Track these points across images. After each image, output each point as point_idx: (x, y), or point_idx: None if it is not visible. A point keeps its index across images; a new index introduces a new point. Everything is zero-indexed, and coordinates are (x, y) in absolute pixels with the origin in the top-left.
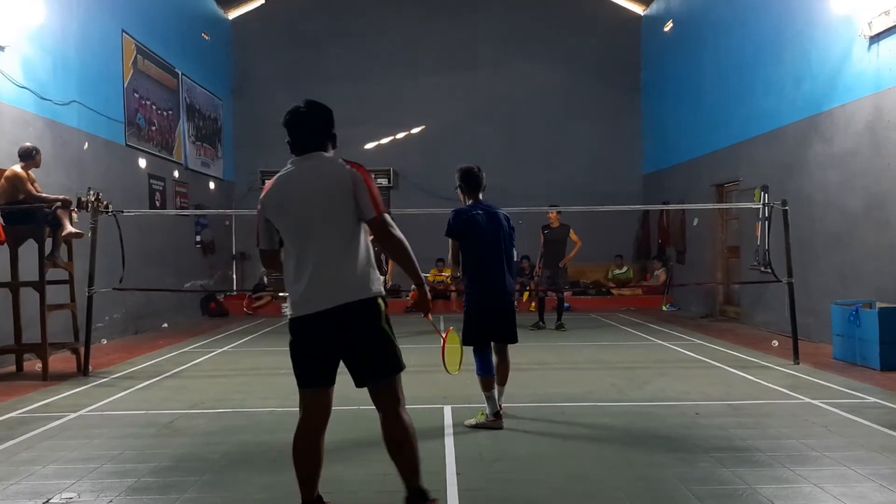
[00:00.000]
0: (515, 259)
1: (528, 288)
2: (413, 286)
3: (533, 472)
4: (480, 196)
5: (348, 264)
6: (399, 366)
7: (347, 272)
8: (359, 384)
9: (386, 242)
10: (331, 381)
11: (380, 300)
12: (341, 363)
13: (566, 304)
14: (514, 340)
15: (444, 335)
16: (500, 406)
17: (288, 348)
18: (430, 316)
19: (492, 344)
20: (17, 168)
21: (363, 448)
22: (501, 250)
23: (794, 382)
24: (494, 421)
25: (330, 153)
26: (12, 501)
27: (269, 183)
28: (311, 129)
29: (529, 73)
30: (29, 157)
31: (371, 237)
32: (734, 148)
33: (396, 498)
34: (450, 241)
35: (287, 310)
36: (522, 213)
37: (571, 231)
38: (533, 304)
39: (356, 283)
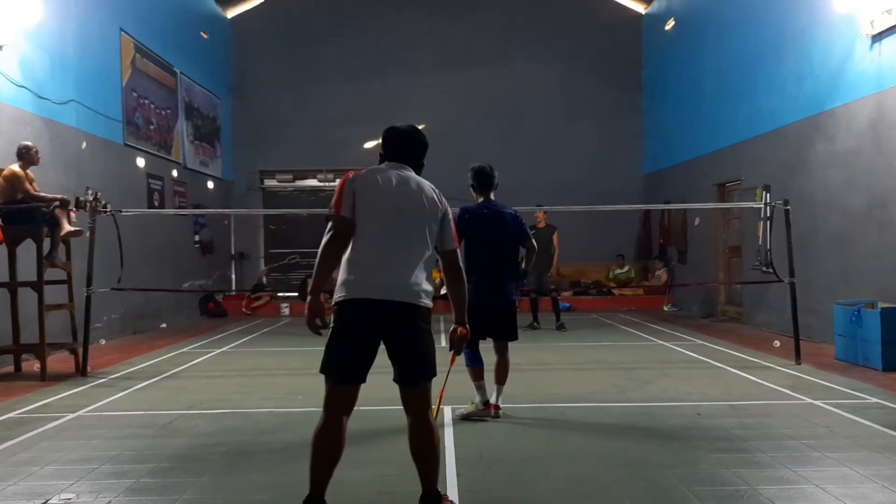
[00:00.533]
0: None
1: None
2: (456, 324)
3: (533, 473)
4: (492, 195)
5: (421, 273)
6: (435, 370)
7: (420, 278)
8: (402, 382)
9: (455, 275)
10: (365, 378)
11: (429, 314)
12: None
13: (566, 304)
14: (514, 338)
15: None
16: (499, 405)
17: (329, 337)
18: (454, 357)
19: (493, 342)
20: (15, 167)
21: (363, 448)
22: (503, 250)
23: (795, 383)
24: (484, 410)
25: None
26: (11, 502)
27: (360, 169)
28: (421, 150)
29: (529, 73)
30: (27, 156)
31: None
32: (736, 147)
33: (396, 498)
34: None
35: (339, 293)
36: (522, 213)
37: (555, 233)
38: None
39: (422, 290)
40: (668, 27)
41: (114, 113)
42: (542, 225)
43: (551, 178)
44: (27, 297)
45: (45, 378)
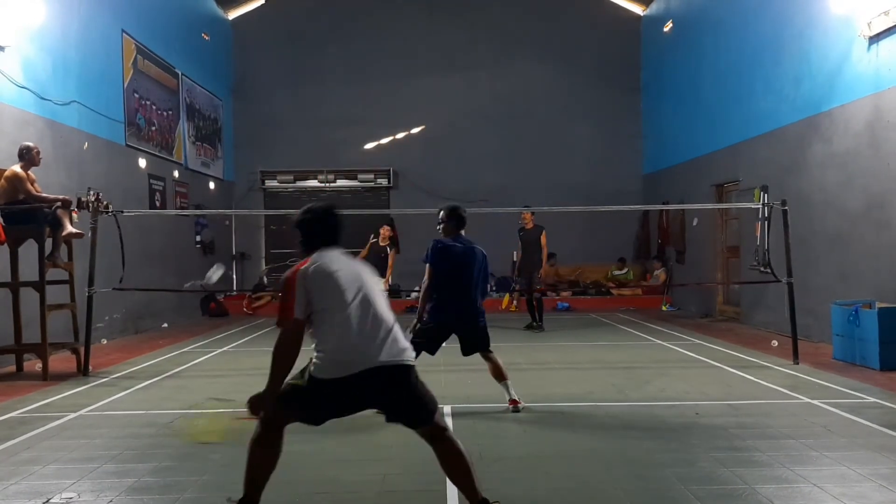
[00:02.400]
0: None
1: (513, 289)
2: None
3: (533, 472)
4: (462, 233)
5: (395, 332)
6: (437, 403)
7: (399, 338)
8: (415, 425)
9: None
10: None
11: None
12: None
13: (565, 304)
14: (486, 346)
15: None
16: (515, 399)
17: (305, 390)
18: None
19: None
20: (17, 168)
21: (362, 449)
22: (470, 282)
23: (793, 382)
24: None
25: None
26: (12, 501)
27: (304, 262)
28: (339, 230)
29: (529, 74)
30: (28, 156)
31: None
32: (734, 148)
33: (396, 498)
34: (426, 266)
35: (320, 371)
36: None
37: (543, 233)
38: (514, 305)
39: (405, 349)
40: (666, 29)
41: (115, 114)
42: (529, 226)
43: (550, 179)
44: (29, 297)
45: (47, 378)
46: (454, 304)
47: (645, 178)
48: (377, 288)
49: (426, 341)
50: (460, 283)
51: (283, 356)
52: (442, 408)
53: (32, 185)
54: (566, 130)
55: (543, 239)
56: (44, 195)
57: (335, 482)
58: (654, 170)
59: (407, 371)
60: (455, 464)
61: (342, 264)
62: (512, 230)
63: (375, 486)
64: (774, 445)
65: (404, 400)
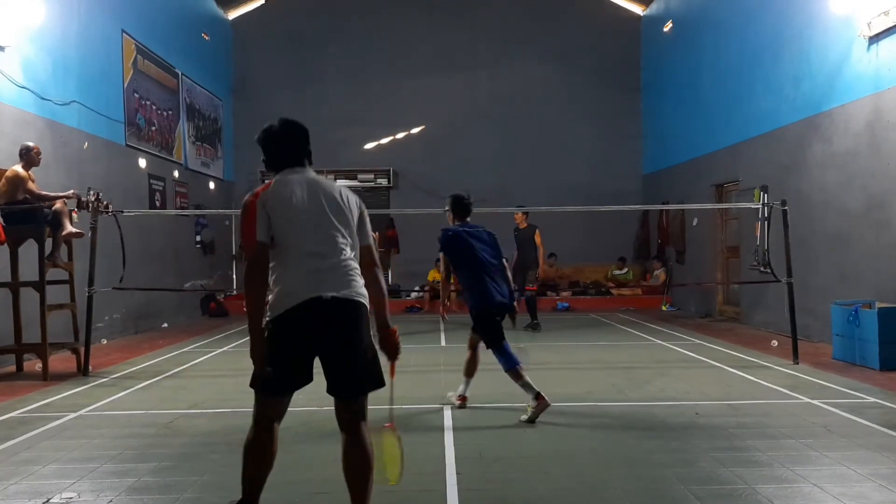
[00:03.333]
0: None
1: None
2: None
3: (533, 472)
4: (468, 220)
5: (353, 270)
6: (381, 382)
7: (353, 275)
8: (334, 393)
9: (372, 270)
10: (299, 386)
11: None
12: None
13: (565, 304)
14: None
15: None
16: (466, 395)
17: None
18: (394, 365)
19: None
20: (18, 168)
21: None
22: (490, 260)
23: (793, 382)
24: (539, 404)
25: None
26: (12, 501)
27: (263, 187)
28: (301, 142)
29: (529, 73)
30: (28, 156)
31: None
32: (734, 148)
33: (396, 498)
34: (441, 255)
35: (272, 311)
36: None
37: (537, 232)
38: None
39: (358, 287)
40: (666, 29)
41: (115, 114)
42: (523, 226)
43: (550, 179)
44: (29, 297)
45: (47, 378)
46: (490, 282)
47: (645, 178)
48: (343, 219)
49: (495, 337)
50: (482, 264)
51: (251, 284)
52: (441, 408)
53: (32, 183)
54: (566, 130)
55: (538, 238)
56: (46, 193)
57: (335, 482)
58: (654, 170)
59: (357, 307)
60: (355, 464)
61: (300, 188)
62: (512, 230)
63: (375, 486)
64: (774, 445)
65: (348, 345)
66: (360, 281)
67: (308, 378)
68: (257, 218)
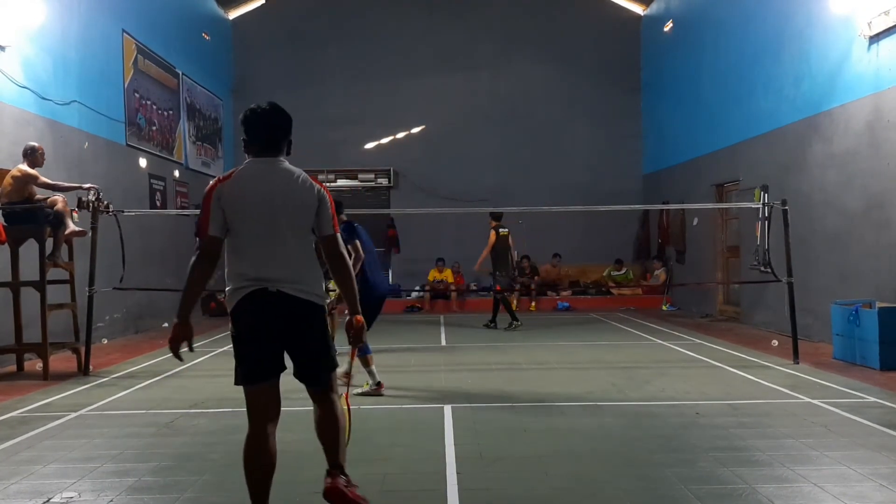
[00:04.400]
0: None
1: (531, 288)
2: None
3: (533, 472)
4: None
5: (306, 270)
6: (335, 364)
7: (304, 275)
8: (302, 380)
9: (335, 260)
10: (279, 370)
11: (325, 312)
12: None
13: (565, 304)
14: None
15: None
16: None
17: (234, 345)
18: (354, 351)
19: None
20: (25, 167)
21: (362, 449)
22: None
23: (793, 382)
24: (377, 389)
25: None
26: (13, 501)
27: (225, 176)
28: (278, 132)
29: (529, 73)
30: (33, 156)
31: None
32: (734, 148)
33: (396, 498)
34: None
35: (231, 299)
36: (522, 213)
37: (509, 236)
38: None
39: (310, 287)
40: (666, 29)
41: (116, 114)
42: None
43: (550, 179)
44: (29, 297)
45: (48, 377)
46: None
47: (645, 178)
48: (298, 213)
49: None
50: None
51: (196, 272)
52: (441, 408)
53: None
54: (566, 130)
55: (511, 241)
56: (61, 183)
57: None
58: (654, 170)
59: (300, 303)
60: (325, 429)
61: (259, 182)
62: (513, 229)
63: (375, 485)
64: (774, 445)
65: (294, 338)
66: (314, 275)
67: (280, 366)
68: (211, 212)
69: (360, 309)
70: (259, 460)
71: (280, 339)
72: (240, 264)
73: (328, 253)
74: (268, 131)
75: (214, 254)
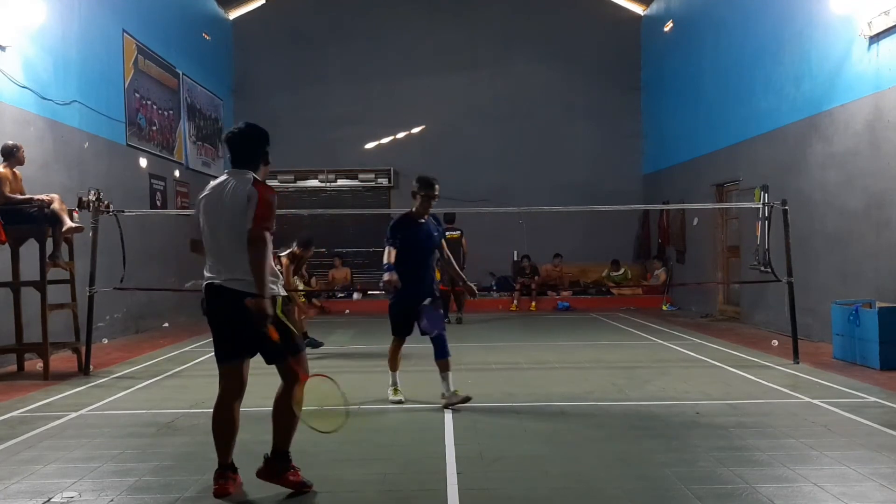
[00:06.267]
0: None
1: (532, 288)
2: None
3: (533, 472)
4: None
5: (234, 259)
6: (279, 355)
7: (231, 264)
8: (266, 362)
9: (249, 249)
10: (245, 355)
11: (277, 298)
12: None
13: (566, 304)
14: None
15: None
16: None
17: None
18: (271, 329)
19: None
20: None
21: (362, 449)
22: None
23: (793, 382)
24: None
25: (262, 169)
26: (13, 500)
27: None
28: (239, 150)
29: (529, 73)
30: (11, 155)
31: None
32: (734, 148)
33: (396, 498)
34: None
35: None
36: (522, 213)
37: (463, 238)
38: (514, 305)
39: (236, 274)
40: (666, 28)
41: (116, 114)
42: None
43: (550, 179)
44: (30, 297)
45: (48, 377)
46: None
47: (645, 177)
48: (231, 215)
49: None
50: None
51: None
52: (441, 407)
53: (19, 183)
54: (566, 130)
55: (464, 243)
56: (18, 197)
57: (335, 482)
58: (654, 170)
59: (231, 293)
60: (280, 410)
61: (216, 190)
62: (512, 229)
63: (376, 485)
64: (775, 445)
65: (235, 324)
66: (243, 268)
67: (248, 349)
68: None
69: (259, 292)
70: (221, 423)
71: (229, 325)
72: (205, 261)
73: (248, 244)
74: (232, 151)
75: (197, 249)
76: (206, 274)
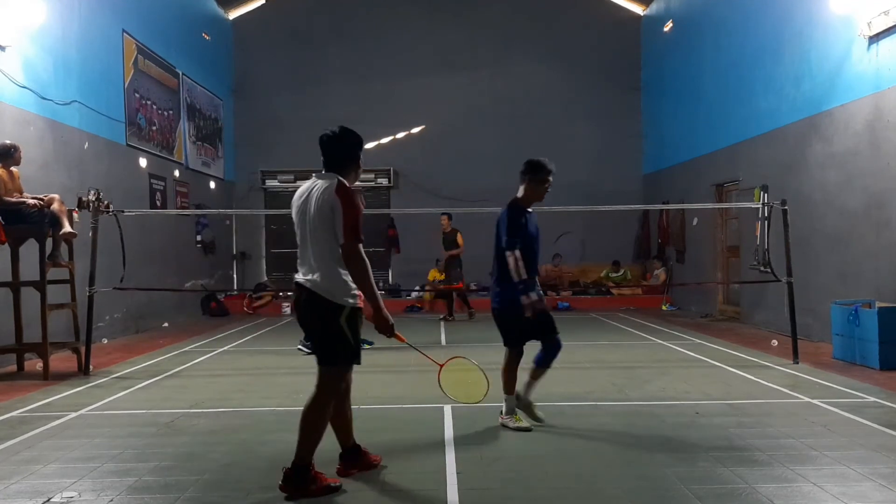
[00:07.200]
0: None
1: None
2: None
3: (533, 472)
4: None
5: (322, 269)
6: (338, 360)
7: (320, 274)
8: (317, 362)
9: (347, 264)
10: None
11: (345, 308)
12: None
13: (565, 304)
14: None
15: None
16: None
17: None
18: (398, 335)
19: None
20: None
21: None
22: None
23: (793, 382)
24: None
25: (353, 173)
26: (13, 500)
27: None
28: (330, 152)
29: (529, 73)
30: (7, 156)
31: None
32: (734, 148)
33: (396, 498)
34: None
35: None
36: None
37: (459, 234)
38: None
39: (324, 285)
40: (666, 28)
41: (116, 114)
42: (447, 230)
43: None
44: (30, 297)
45: (48, 377)
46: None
47: (645, 177)
48: (318, 219)
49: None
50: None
51: None
52: (441, 408)
53: (15, 183)
54: (566, 130)
55: (460, 239)
56: (12, 200)
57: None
58: (654, 169)
59: (308, 293)
60: (307, 421)
61: (304, 193)
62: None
63: (376, 485)
64: (774, 445)
65: (305, 321)
66: (322, 273)
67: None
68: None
69: (375, 304)
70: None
71: (304, 324)
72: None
73: (343, 259)
74: (323, 153)
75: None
76: (298, 270)
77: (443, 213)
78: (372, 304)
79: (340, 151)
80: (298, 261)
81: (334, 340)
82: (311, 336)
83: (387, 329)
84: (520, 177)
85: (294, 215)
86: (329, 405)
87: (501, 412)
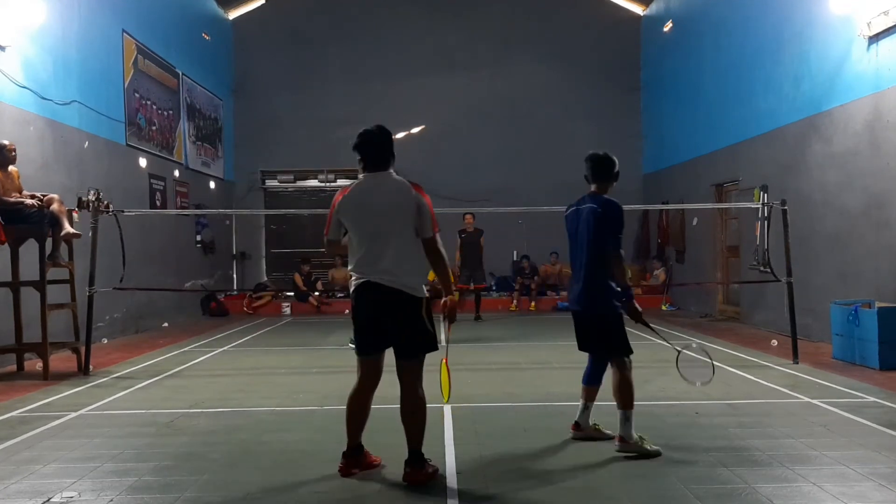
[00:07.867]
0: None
1: (531, 287)
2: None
3: (533, 472)
4: (592, 187)
5: (403, 265)
6: (426, 349)
7: (402, 270)
8: (397, 355)
9: (431, 256)
10: (381, 349)
11: (423, 300)
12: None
13: (564, 304)
14: (607, 352)
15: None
16: (620, 434)
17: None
18: (450, 327)
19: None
20: None
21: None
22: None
23: (793, 382)
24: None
25: (391, 170)
26: (13, 500)
27: (344, 189)
28: (374, 149)
29: (529, 74)
30: (7, 155)
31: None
32: (734, 148)
33: (396, 498)
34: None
35: (351, 281)
36: (522, 213)
37: (482, 237)
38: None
39: (406, 280)
40: (666, 28)
41: (116, 114)
42: (470, 229)
43: (550, 178)
44: (30, 297)
45: (48, 377)
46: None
47: (645, 177)
48: (392, 217)
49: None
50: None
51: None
52: (441, 407)
53: (16, 181)
54: (566, 130)
55: (482, 241)
56: (9, 200)
57: (335, 482)
58: (654, 170)
59: (388, 291)
60: (406, 412)
61: (363, 193)
62: (512, 229)
63: (376, 486)
64: (774, 445)
65: (388, 318)
66: (404, 268)
67: (385, 342)
68: (332, 220)
69: (448, 290)
70: (356, 409)
71: (374, 322)
72: (356, 260)
73: (427, 252)
74: (369, 150)
75: (333, 251)
76: (357, 272)
77: (466, 213)
78: (448, 292)
79: (388, 149)
80: (360, 260)
81: (420, 333)
82: (391, 333)
83: (454, 313)
84: (600, 174)
85: (349, 216)
86: (421, 388)
87: (619, 436)
